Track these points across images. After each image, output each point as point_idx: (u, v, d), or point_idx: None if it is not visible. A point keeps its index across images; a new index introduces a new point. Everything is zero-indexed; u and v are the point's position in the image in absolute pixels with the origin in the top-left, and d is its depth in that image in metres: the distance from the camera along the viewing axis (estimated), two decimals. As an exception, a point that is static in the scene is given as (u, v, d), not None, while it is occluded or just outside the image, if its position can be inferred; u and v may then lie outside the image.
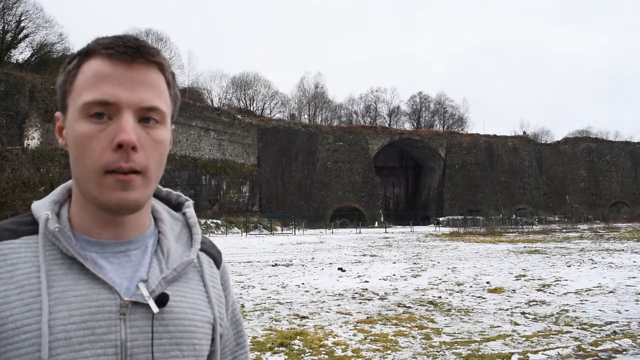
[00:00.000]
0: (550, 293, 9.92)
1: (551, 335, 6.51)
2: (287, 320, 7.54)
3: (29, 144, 32.00)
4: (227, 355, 0.98)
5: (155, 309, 0.80)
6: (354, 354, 5.63)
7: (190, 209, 0.98)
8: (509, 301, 9.10)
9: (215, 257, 0.98)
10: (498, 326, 7.10)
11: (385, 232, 40.81)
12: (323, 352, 5.72)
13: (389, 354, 5.68)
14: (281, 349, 5.85)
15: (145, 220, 0.88)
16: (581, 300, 9.03)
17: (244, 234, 38.79)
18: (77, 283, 0.78)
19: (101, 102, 0.77)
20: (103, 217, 0.82)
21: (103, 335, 0.76)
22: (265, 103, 65.49)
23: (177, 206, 0.99)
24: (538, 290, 10.31)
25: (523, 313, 8.03)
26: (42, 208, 0.84)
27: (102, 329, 0.77)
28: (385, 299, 9.49)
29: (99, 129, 0.77)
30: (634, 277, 11.60)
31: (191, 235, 0.94)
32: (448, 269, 14.18)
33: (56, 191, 0.88)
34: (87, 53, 0.81)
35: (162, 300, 0.81)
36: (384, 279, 12.22)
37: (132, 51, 0.79)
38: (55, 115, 0.86)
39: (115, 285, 0.79)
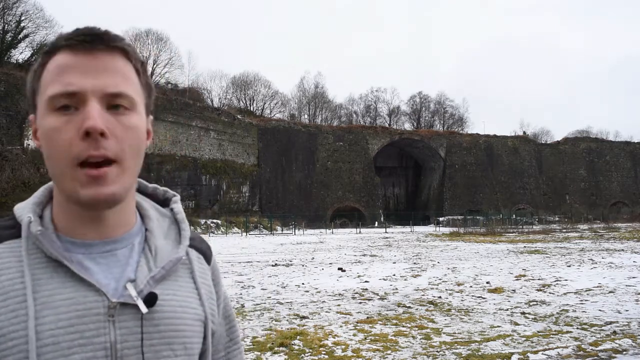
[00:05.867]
0: (550, 293, 9.92)
1: (551, 335, 6.51)
2: (287, 320, 7.54)
3: (29, 144, 31.98)
4: (221, 351, 0.97)
5: (144, 309, 0.78)
6: (354, 354, 5.63)
7: (177, 205, 0.96)
8: (509, 301, 9.10)
9: (205, 252, 0.96)
10: (498, 326, 7.10)
11: (385, 232, 40.81)
12: (323, 352, 5.72)
13: (389, 354, 5.68)
14: (281, 349, 5.85)
15: (130, 218, 0.86)
16: (581, 300, 9.03)
17: (244, 234, 38.78)
18: (63, 286, 0.76)
19: (65, 94, 0.75)
20: (84, 215, 0.80)
21: (92, 339, 0.75)
22: (265, 103, 65.54)
23: (164, 202, 0.97)
24: (538, 290, 10.30)
25: (523, 313, 8.03)
26: (24, 211, 0.83)
27: (91, 332, 0.75)
28: (385, 299, 9.49)
29: (65, 120, 0.75)
30: (634, 277, 11.60)
31: (179, 231, 0.92)
32: (448, 269, 14.17)
33: (38, 192, 0.87)
34: (51, 50, 0.79)
35: (150, 300, 0.79)
36: (384, 279, 12.22)
37: (91, 38, 0.77)
38: (29, 118, 0.83)
39: (102, 287, 0.77)
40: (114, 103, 0.78)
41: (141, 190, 0.95)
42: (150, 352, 0.78)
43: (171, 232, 0.91)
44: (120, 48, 0.80)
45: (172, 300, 0.83)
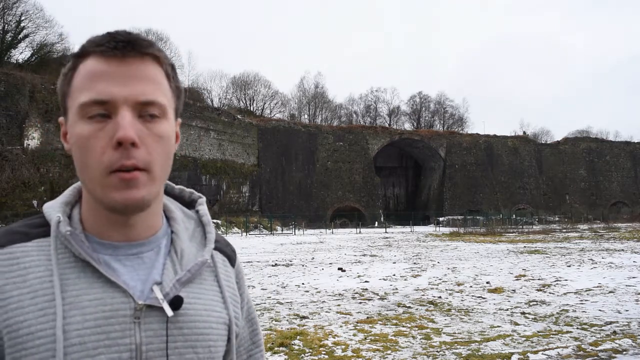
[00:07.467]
0: (550, 293, 9.92)
1: (551, 335, 6.51)
2: (287, 320, 7.54)
3: (29, 144, 31.98)
4: (243, 353, 0.98)
5: (169, 312, 0.79)
6: (354, 354, 5.63)
7: (203, 207, 0.97)
8: (509, 301, 9.10)
9: (230, 255, 0.97)
10: (498, 326, 7.10)
11: (385, 232, 40.80)
12: (323, 352, 5.72)
13: (389, 354, 5.68)
14: (281, 349, 5.85)
15: (157, 220, 0.87)
16: (581, 300, 9.03)
17: (244, 234, 38.76)
18: (91, 287, 0.77)
19: (97, 102, 0.76)
20: (112, 218, 0.81)
21: (118, 340, 0.76)
22: (265, 103, 65.50)
23: (190, 203, 0.98)
24: (538, 290, 10.31)
25: (523, 313, 8.03)
26: (53, 210, 0.83)
27: (116, 333, 0.76)
28: (385, 299, 9.49)
29: (98, 128, 0.76)
30: (634, 277, 11.60)
31: (205, 233, 0.92)
32: (448, 269, 14.17)
33: (67, 192, 0.87)
34: (82, 54, 0.80)
35: (176, 303, 0.80)
36: (384, 279, 12.22)
37: (122, 45, 0.77)
38: (59, 120, 0.84)
39: (129, 289, 0.79)
40: (145, 111, 0.78)
41: (167, 192, 0.96)
42: (175, 354, 0.79)
43: (197, 234, 0.92)
44: (151, 54, 0.80)
45: (197, 303, 0.84)
